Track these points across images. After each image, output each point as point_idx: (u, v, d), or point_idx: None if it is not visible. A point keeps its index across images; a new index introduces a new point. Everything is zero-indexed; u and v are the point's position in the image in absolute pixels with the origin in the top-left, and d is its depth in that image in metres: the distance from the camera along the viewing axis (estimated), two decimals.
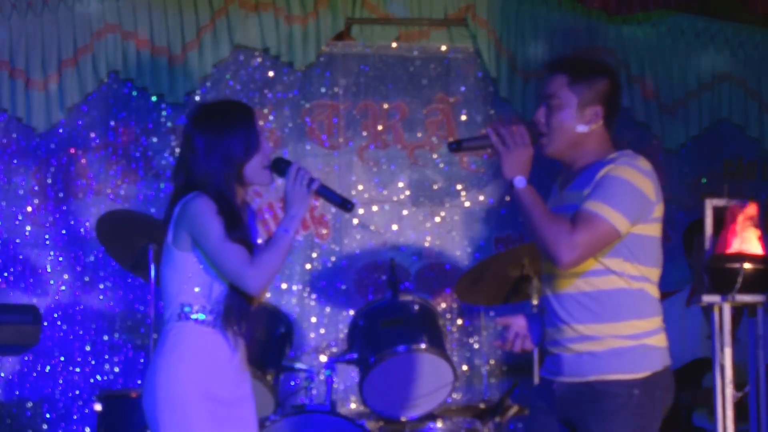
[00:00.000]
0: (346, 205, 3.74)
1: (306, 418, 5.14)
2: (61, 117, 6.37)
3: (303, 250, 6.50)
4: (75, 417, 6.26)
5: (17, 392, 6.25)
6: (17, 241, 6.33)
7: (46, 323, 5.92)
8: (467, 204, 6.66)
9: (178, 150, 3.78)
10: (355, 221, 6.53)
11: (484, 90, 6.72)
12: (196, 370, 3.58)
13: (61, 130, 6.40)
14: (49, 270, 6.34)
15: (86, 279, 6.35)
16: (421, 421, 5.49)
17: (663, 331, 3.62)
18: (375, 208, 6.61)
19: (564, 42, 6.66)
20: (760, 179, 6.86)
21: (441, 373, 5.36)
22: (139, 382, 6.13)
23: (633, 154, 3.62)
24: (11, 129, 6.36)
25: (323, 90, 6.63)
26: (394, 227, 6.62)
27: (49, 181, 6.38)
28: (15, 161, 6.36)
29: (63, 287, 6.34)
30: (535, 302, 5.45)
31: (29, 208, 6.35)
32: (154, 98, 6.46)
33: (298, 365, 5.46)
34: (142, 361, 6.27)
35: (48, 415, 6.25)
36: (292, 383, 6.10)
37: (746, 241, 4.51)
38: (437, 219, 6.64)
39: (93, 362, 6.30)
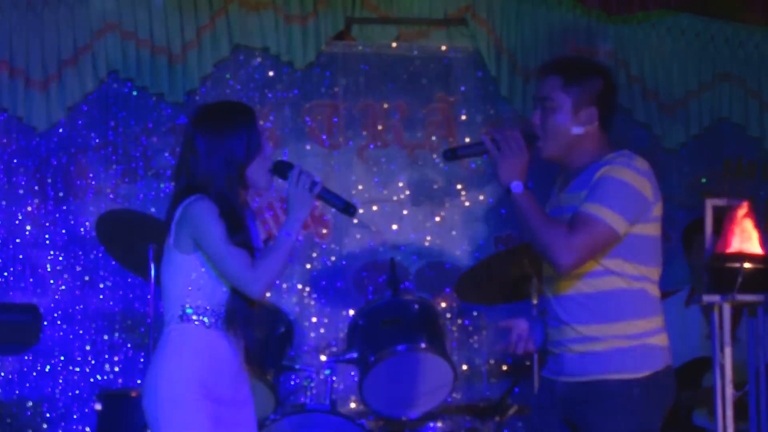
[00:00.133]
0: (348, 209, 3.74)
1: (306, 417, 5.14)
2: (61, 116, 6.37)
3: (303, 249, 6.50)
4: (75, 416, 6.26)
5: (17, 391, 6.25)
6: (17, 240, 6.33)
7: (46, 323, 5.92)
8: (467, 204, 6.66)
9: (178, 150, 3.77)
10: (355, 221, 6.53)
11: (484, 90, 6.72)
12: (196, 371, 3.58)
13: (61, 130, 6.40)
14: (49, 270, 6.34)
15: (86, 279, 6.35)
16: (421, 421, 5.50)
17: (664, 331, 3.62)
18: (375, 208, 6.61)
19: (564, 42, 6.66)
20: (760, 179, 6.86)
21: (441, 373, 5.36)
22: (138, 381, 6.13)
23: (630, 154, 3.62)
24: (11, 128, 6.36)
25: (323, 90, 6.63)
26: (394, 227, 6.62)
27: (49, 180, 6.38)
28: (15, 161, 6.36)
29: (63, 287, 6.34)
30: (535, 302, 5.45)
31: (29, 208, 6.36)
32: (153, 98, 6.47)
33: (298, 365, 5.46)
34: (142, 360, 6.27)
35: (48, 415, 6.25)
36: (292, 382, 6.10)
37: (746, 240, 4.51)
38: (437, 219, 6.64)
39: (93, 362, 6.31)
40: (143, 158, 6.46)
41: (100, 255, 6.24)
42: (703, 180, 6.80)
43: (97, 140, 6.44)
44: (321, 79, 6.62)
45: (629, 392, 3.53)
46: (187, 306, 3.62)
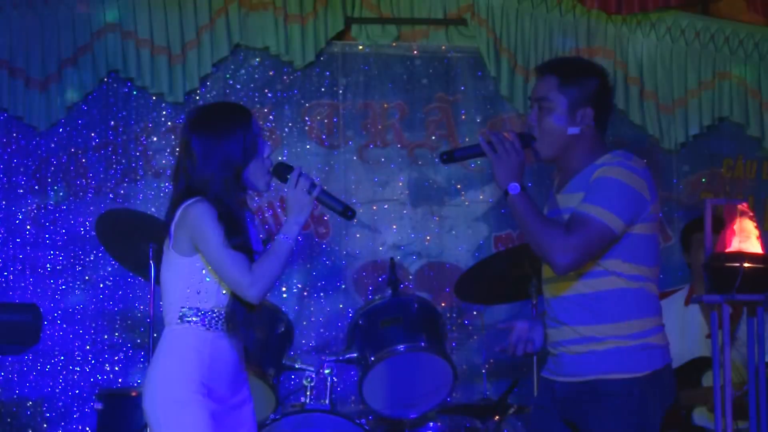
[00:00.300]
0: (347, 212, 3.72)
1: (306, 417, 5.14)
2: (61, 116, 6.38)
3: (303, 249, 6.50)
4: (75, 416, 6.26)
5: (17, 391, 6.26)
6: (17, 240, 6.33)
7: (46, 322, 5.92)
8: (467, 204, 6.67)
9: (178, 150, 3.76)
10: (355, 221, 6.52)
11: (484, 90, 6.72)
12: (196, 371, 3.58)
13: (61, 130, 6.41)
14: (49, 269, 6.34)
15: (86, 278, 6.35)
16: (421, 421, 5.50)
17: (663, 329, 3.62)
18: (375, 207, 6.61)
19: (564, 42, 6.67)
20: (760, 179, 6.86)
21: (441, 373, 5.36)
22: (138, 381, 6.13)
23: (626, 154, 3.62)
24: (11, 128, 6.36)
25: (323, 90, 6.64)
26: (394, 227, 6.62)
27: (49, 180, 6.38)
28: (15, 160, 6.37)
29: (63, 287, 6.34)
30: (534, 302, 5.45)
31: (29, 208, 6.36)
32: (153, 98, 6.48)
33: (298, 364, 5.45)
34: (141, 360, 6.27)
35: (48, 414, 6.26)
36: (292, 382, 6.10)
37: (746, 240, 4.51)
38: (437, 219, 6.64)
39: (93, 361, 6.31)
40: (143, 158, 6.46)
41: (100, 255, 6.24)
42: (703, 180, 6.80)
43: (97, 140, 6.44)
44: (321, 78, 6.63)
45: (629, 392, 3.53)
46: (187, 308, 3.62)
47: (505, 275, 5.54)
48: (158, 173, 6.45)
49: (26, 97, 6.31)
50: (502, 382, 6.34)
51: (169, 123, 6.47)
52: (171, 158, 6.39)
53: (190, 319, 3.62)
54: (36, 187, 6.37)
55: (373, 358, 5.31)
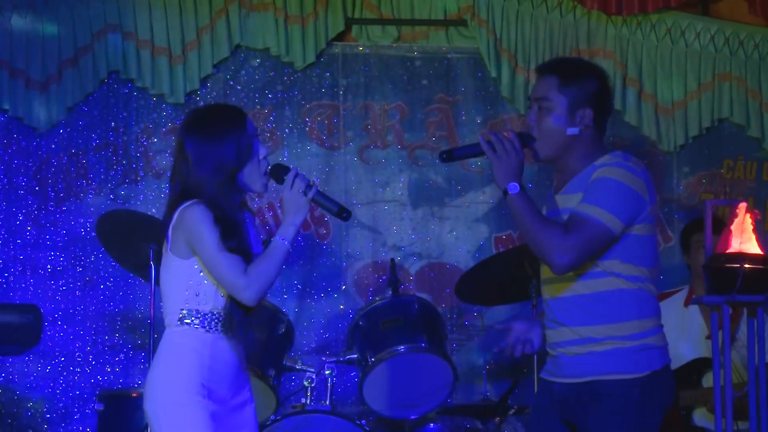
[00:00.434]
0: (342, 213, 3.72)
1: (306, 417, 5.15)
2: (61, 117, 6.38)
3: (303, 250, 6.50)
4: (76, 417, 6.26)
5: (18, 392, 6.26)
6: (18, 241, 6.33)
7: (46, 323, 5.92)
8: (467, 204, 6.67)
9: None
10: (356, 222, 6.53)
11: (484, 90, 6.72)
12: (197, 373, 3.58)
13: (61, 131, 6.41)
14: (49, 270, 6.34)
15: (87, 279, 6.36)
16: (422, 422, 5.50)
17: (662, 330, 3.62)
18: (375, 208, 6.61)
19: (564, 42, 6.66)
20: (761, 180, 6.86)
21: (441, 373, 5.36)
22: (139, 382, 6.13)
23: (624, 155, 3.62)
24: (12, 129, 6.37)
25: (323, 90, 6.64)
26: (395, 228, 6.62)
27: (50, 181, 6.38)
28: (15, 161, 6.37)
29: (63, 287, 6.34)
30: (534, 303, 5.45)
31: (30, 209, 6.36)
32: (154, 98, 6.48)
33: (299, 365, 5.46)
34: (142, 361, 6.27)
35: (49, 415, 6.26)
36: (293, 383, 6.10)
37: (746, 241, 4.51)
38: (438, 219, 6.64)
39: (93, 362, 6.31)
40: (144, 159, 6.47)
41: (101, 255, 6.24)
42: (704, 181, 6.80)
43: (97, 141, 6.45)
44: (321, 79, 6.63)
45: (628, 392, 3.53)
46: (186, 310, 3.63)
47: (506, 276, 5.54)
48: (159, 174, 6.45)
49: (26, 97, 6.31)
50: (502, 382, 6.34)
51: (170, 124, 6.47)
52: (171, 159, 6.35)
53: (189, 320, 3.62)
54: (36, 188, 6.37)
55: (373, 359, 5.31)
